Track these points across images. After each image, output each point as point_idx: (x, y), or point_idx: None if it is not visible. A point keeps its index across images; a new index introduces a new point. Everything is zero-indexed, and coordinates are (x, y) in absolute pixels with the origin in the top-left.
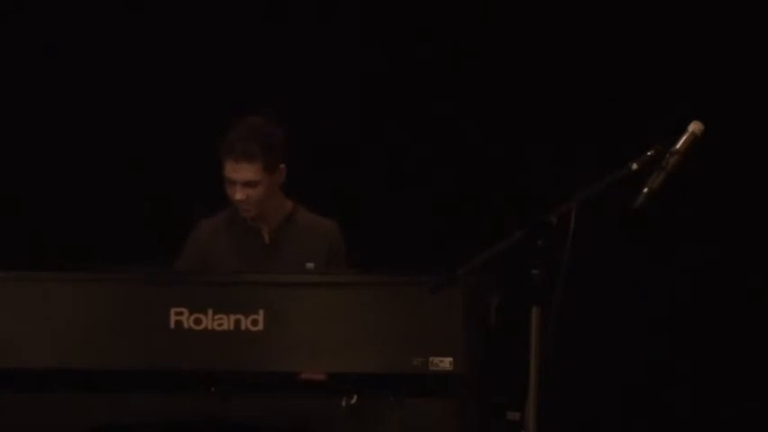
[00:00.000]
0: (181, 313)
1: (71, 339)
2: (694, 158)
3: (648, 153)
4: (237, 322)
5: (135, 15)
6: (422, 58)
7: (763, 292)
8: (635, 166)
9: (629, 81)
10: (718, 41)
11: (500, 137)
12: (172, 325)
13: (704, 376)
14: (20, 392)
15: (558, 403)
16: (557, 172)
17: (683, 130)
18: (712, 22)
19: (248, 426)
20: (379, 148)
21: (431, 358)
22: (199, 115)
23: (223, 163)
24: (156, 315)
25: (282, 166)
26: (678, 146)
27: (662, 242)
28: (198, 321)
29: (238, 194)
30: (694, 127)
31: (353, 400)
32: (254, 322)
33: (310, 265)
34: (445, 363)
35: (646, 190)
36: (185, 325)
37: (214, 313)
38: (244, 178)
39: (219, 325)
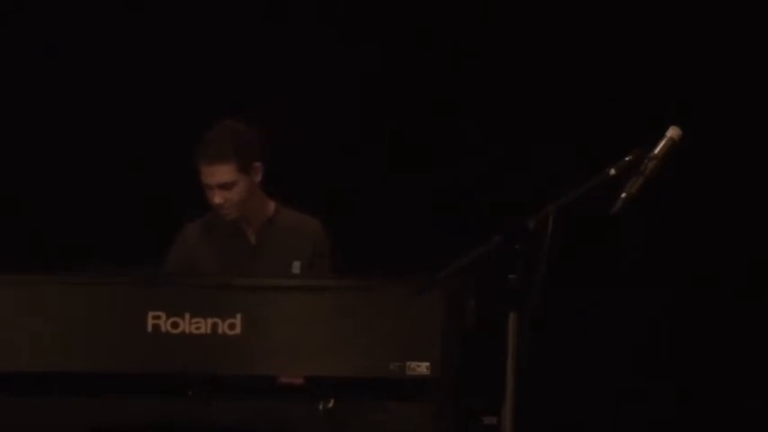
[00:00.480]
0: (158, 317)
1: (47, 342)
2: (672, 163)
3: (627, 158)
4: (215, 326)
5: (135, 15)
6: (422, 58)
7: (740, 292)
8: (613, 171)
9: (629, 81)
10: (699, 49)
11: (500, 137)
12: (149, 328)
13: (686, 378)
14: None
15: (535, 407)
16: (557, 172)
17: (661, 135)
18: (694, 29)
19: (224, 430)
20: (378, 148)
21: (408, 363)
22: (199, 115)
23: (198, 170)
24: (134, 318)
25: (258, 164)
26: (656, 151)
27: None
28: (175, 325)
29: (216, 198)
30: (673, 132)
31: (331, 404)
32: (232, 326)
33: (296, 264)
34: (422, 367)
35: (624, 195)
36: (163, 328)
37: (191, 317)
38: (219, 180)
39: (197, 328)
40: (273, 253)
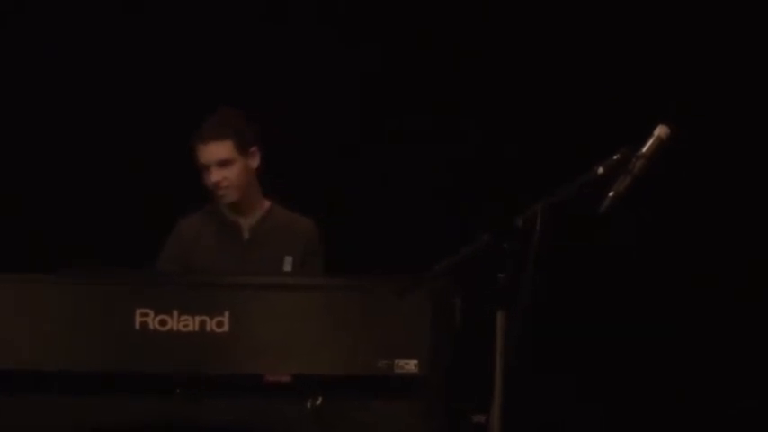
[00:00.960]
0: (146, 314)
1: (35, 341)
2: (660, 162)
3: (615, 157)
4: (203, 323)
5: (135, 15)
6: (422, 58)
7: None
8: (601, 170)
9: (629, 81)
10: (692, 47)
11: (500, 137)
12: (137, 326)
13: (675, 379)
14: None
15: (523, 406)
16: (557, 172)
17: (649, 134)
18: (686, 27)
19: (212, 428)
20: (378, 148)
21: (396, 360)
22: (199, 115)
23: (196, 152)
24: (122, 316)
25: (254, 149)
26: (645, 150)
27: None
28: (163, 322)
29: (214, 175)
30: (660, 131)
31: (318, 402)
32: (220, 324)
33: (288, 259)
34: (410, 365)
35: (612, 194)
36: (151, 326)
37: (179, 314)
38: (217, 157)
39: (185, 326)
40: (266, 249)
